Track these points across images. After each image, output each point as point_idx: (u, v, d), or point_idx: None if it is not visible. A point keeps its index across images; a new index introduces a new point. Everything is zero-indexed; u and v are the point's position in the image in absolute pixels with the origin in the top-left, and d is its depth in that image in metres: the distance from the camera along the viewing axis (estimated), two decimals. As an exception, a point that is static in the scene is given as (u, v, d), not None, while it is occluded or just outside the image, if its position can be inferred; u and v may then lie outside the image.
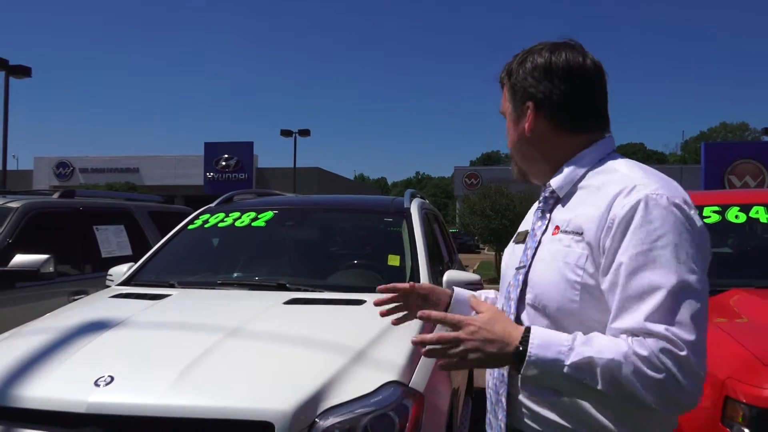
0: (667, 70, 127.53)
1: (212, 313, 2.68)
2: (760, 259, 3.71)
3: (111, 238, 5.62)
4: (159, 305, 2.77)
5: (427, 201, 5.39)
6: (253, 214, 3.79)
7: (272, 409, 1.90)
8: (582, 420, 1.24)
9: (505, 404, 1.34)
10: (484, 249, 35.12)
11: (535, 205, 1.45)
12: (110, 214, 5.81)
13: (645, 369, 1.11)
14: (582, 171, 1.33)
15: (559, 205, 1.34)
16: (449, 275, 3.21)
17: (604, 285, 1.20)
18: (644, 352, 1.12)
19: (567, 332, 1.21)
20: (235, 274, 3.42)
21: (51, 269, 4.35)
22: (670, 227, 1.16)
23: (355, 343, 2.33)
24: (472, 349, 1.20)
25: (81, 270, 5.16)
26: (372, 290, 3.18)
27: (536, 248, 1.34)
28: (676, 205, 1.19)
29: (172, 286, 3.20)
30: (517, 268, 1.37)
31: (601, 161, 1.34)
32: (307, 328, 2.51)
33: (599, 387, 1.14)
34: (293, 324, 2.56)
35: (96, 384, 1.96)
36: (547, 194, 1.38)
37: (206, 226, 3.83)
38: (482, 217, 18.14)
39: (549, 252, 1.30)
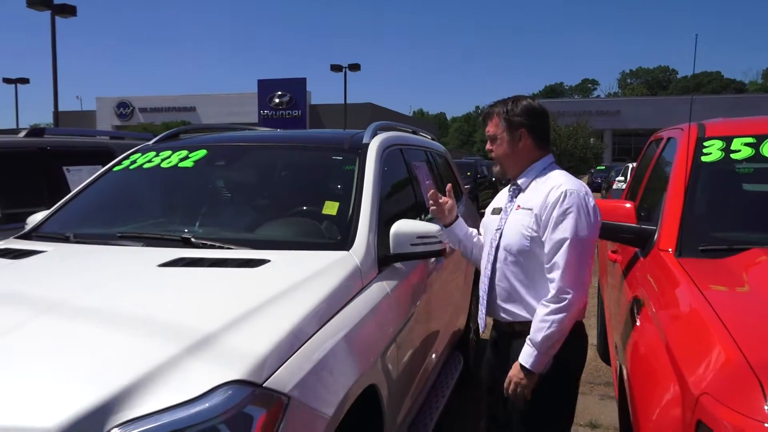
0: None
1: (55, 281, 2.16)
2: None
3: (84, 180, 5.24)
4: (7, 268, 2.28)
5: (422, 136, 4.65)
6: (184, 153, 3.23)
7: (33, 428, 1.38)
8: (530, 311, 2.21)
9: (485, 301, 2.35)
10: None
11: (505, 189, 2.42)
12: (86, 154, 5.40)
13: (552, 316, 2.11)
14: (535, 173, 2.31)
15: (521, 193, 2.31)
16: (397, 226, 2.60)
17: (543, 236, 2.18)
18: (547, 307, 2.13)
19: (521, 265, 2.24)
20: (138, 226, 2.88)
21: (-3, 214, 3.98)
22: (574, 206, 2.14)
23: (210, 323, 1.78)
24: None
25: (48, 214, 4.80)
26: (289, 246, 2.63)
27: (507, 217, 2.32)
28: (579, 194, 2.16)
29: (67, 239, 2.72)
30: (496, 229, 2.33)
31: (544, 170, 2.31)
32: (159, 301, 1.96)
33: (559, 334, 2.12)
34: (144, 295, 2.01)
35: None
36: (515, 187, 2.34)
37: (132, 167, 3.31)
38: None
39: (514, 219, 2.29)
